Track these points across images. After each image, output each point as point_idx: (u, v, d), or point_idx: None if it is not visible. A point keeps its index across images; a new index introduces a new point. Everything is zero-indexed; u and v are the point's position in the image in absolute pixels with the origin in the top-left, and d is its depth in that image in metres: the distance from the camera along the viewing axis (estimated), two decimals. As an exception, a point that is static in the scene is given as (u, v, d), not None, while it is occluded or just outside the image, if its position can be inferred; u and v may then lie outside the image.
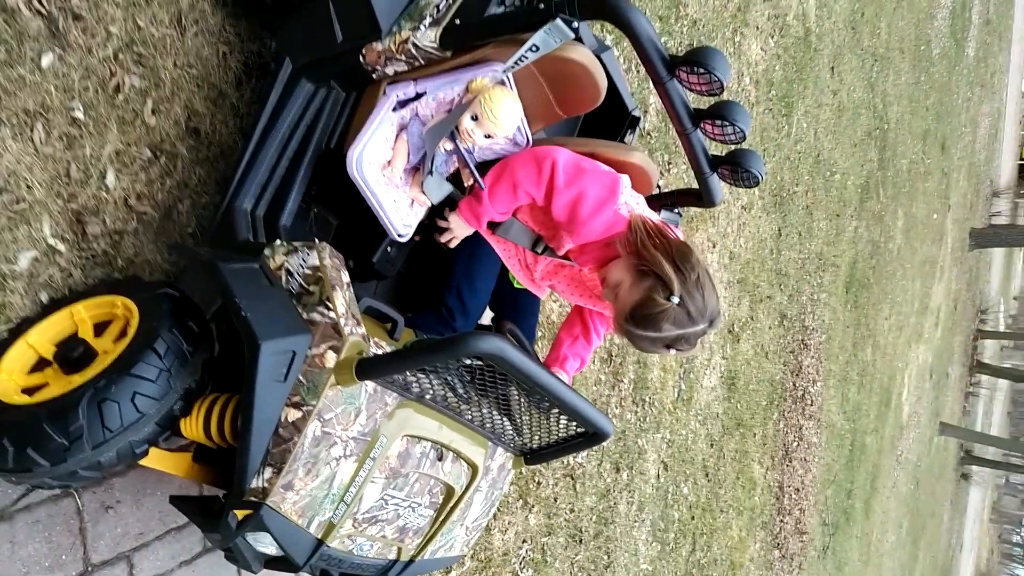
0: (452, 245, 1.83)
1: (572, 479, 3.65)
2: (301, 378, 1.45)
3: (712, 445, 5.18)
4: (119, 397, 1.39)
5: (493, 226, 1.76)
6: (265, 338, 1.40)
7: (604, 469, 3.93)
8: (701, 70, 1.46)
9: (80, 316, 1.57)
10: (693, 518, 5.07)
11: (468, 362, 1.51)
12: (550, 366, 1.93)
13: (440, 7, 1.70)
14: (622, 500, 4.13)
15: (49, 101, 1.67)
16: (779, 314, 6.02)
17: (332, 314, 1.50)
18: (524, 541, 3.31)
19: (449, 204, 1.78)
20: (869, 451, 9.40)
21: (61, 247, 1.66)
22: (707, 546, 5.34)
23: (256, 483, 1.45)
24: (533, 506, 3.35)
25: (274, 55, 1.94)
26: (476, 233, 1.83)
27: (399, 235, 1.77)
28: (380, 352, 1.53)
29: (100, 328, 1.58)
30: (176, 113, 1.92)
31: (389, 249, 1.90)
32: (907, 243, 9.91)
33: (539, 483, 3.39)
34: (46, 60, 1.67)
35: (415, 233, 1.81)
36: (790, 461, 6.59)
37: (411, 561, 1.80)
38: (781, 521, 6.62)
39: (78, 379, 1.43)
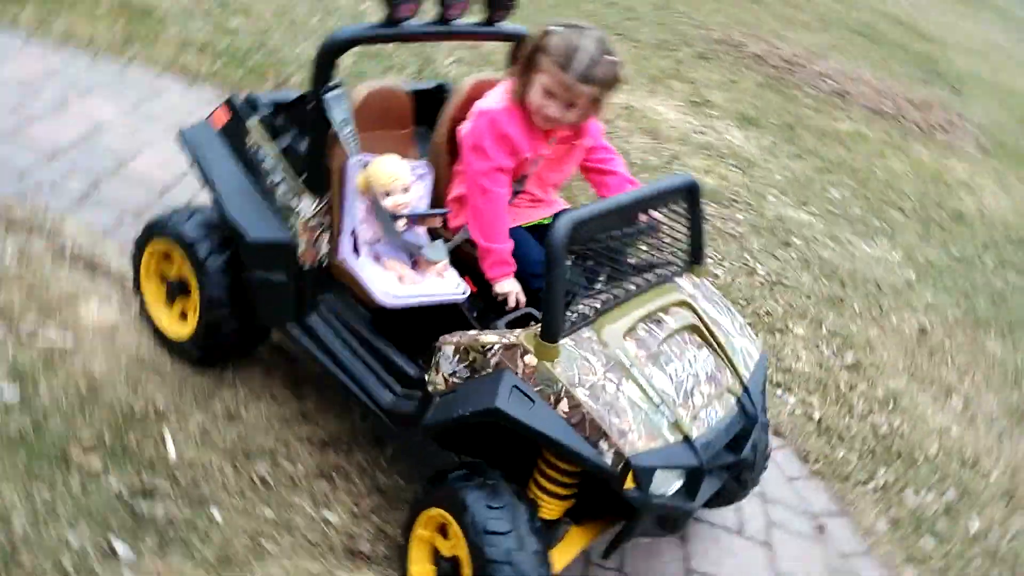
0: (523, 299, 1.99)
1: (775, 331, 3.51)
2: (538, 386, 1.66)
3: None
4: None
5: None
6: (497, 401, 1.63)
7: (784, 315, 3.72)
8: None
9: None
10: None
11: (579, 256, 1.73)
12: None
13: (284, 186, 2.03)
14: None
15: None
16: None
17: (498, 345, 1.72)
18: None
19: (460, 247, 2.06)
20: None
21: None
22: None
23: (607, 460, 1.62)
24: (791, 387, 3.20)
25: (284, 339, 2.24)
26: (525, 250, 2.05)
27: (464, 294, 2.00)
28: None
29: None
30: (312, 488, 2.17)
31: (474, 312, 2.11)
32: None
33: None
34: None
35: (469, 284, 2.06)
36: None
37: (744, 385, 1.92)
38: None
39: None
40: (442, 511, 1.77)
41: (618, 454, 1.61)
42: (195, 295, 2.19)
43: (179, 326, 2.29)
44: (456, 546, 1.74)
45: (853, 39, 9.20)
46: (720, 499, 2.25)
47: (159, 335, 2.32)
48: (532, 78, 1.90)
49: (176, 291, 2.26)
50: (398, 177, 1.96)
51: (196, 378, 2.29)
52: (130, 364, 2.23)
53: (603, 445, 1.62)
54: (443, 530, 1.81)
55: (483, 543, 1.64)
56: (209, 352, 2.26)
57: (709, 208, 4.15)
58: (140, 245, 2.28)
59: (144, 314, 2.34)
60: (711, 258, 3.73)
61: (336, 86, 1.89)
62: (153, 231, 2.23)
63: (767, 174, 4.98)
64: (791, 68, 7.27)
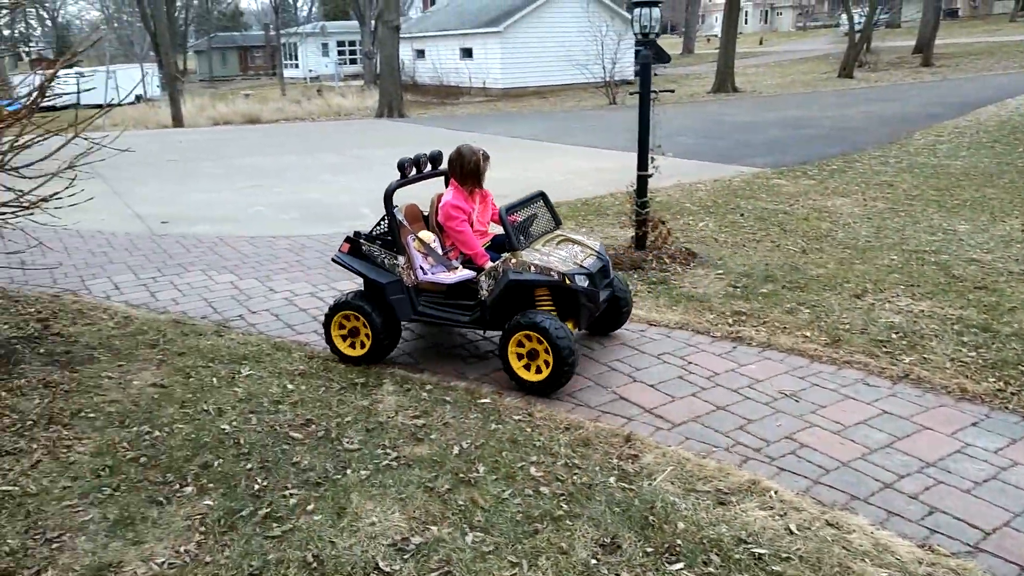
0: (491, 263, 4.72)
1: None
2: (521, 267, 4.36)
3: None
4: None
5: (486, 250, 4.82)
6: (510, 277, 4.33)
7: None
8: None
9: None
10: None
11: (515, 224, 4.51)
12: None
13: (387, 258, 4.74)
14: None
15: None
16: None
17: (500, 264, 4.43)
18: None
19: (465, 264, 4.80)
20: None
21: None
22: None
23: (556, 277, 4.30)
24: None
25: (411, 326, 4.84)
26: (489, 252, 4.81)
27: (475, 274, 4.71)
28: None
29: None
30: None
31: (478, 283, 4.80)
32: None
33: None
34: None
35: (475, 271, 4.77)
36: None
37: (597, 252, 4.70)
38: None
39: None
40: (527, 332, 4.31)
41: (559, 274, 4.32)
42: (362, 336, 4.77)
43: (352, 351, 4.84)
44: (531, 347, 4.31)
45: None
46: (612, 324, 5.02)
47: (343, 357, 4.86)
48: (482, 173, 4.76)
49: (351, 336, 4.83)
50: (434, 238, 4.75)
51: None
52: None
53: (552, 274, 4.33)
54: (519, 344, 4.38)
55: (554, 333, 4.20)
56: (373, 357, 4.80)
57: None
58: (329, 316, 4.85)
59: (332, 347, 4.88)
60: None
61: (396, 206, 4.67)
62: (339, 308, 4.82)
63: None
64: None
